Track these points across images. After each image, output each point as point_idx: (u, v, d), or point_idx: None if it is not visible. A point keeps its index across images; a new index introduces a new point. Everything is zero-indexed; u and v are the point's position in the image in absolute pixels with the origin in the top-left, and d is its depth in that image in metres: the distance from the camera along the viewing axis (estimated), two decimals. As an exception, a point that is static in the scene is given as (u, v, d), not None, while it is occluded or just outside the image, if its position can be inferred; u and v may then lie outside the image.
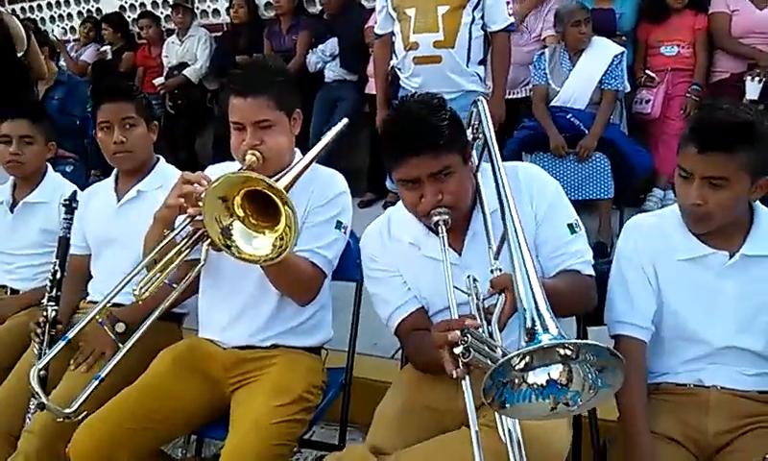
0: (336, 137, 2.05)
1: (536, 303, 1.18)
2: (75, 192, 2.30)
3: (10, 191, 2.66)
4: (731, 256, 1.59)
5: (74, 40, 6.31)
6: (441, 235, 1.52)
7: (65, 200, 2.26)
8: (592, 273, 1.67)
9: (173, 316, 2.31)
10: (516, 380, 1.16)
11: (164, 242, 1.75)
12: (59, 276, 2.18)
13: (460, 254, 1.67)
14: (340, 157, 3.79)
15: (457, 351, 1.25)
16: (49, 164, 2.72)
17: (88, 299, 2.32)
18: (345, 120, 2.14)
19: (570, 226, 1.67)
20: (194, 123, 5.53)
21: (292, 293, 1.90)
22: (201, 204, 1.58)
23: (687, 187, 1.53)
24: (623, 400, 1.58)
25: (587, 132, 3.64)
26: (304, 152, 1.93)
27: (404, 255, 1.74)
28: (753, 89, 3.66)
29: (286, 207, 1.47)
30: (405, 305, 1.73)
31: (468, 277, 1.48)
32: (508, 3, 3.14)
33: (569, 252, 1.65)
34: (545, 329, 1.12)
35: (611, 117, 3.76)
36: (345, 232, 1.96)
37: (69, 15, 6.60)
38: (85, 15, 6.48)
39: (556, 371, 1.15)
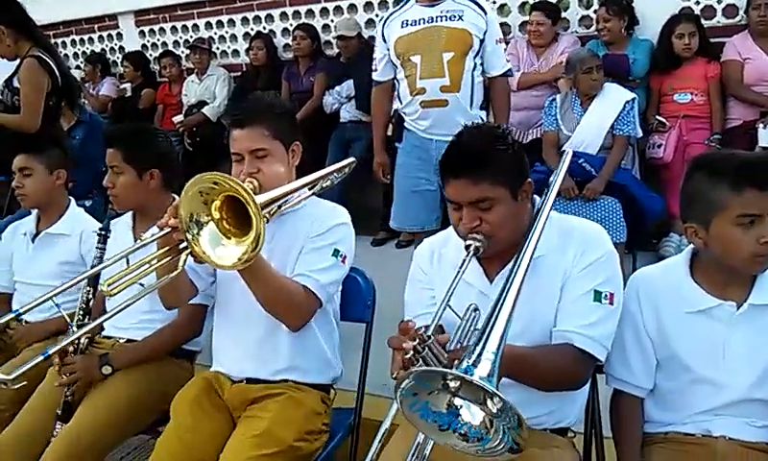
0: (339, 173, 2.06)
1: (486, 342, 1.22)
2: (108, 222, 2.31)
3: (34, 223, 2.74)
4: (738, 307, 1.59)
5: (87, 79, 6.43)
6: (468, 255, 1.53)
7: (100, 229, 2.28)
8: (589, 349, 1.56)
9: (185, 353, 2.34)
10: (431, 396, 1.24)
11: (138, 245, 1.77)
12: (91, 304, 2.21)
13: (491, 283, 1.65)
14: (354, 196, 3.85)
15: (407, 356, 1.28)
16: (72, 198, 2.78)
17: (103, 334, 2.33)
18: (351, 159, 2.18)
19: (597, 293, 1.59)
20: (211, 159, 5.59)
21: (282, 315, 1.88)
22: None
23: (758, 230, 1.50)
24: (621, 448, 1.68)
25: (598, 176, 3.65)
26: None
27: (444, 273, 1.70)
28: (765, 137, 3.66)
29: (255, 213, 1.46)
30: (422, 316, 1.69)
31: (471, 305, 1.48)
32: (505, 50, 3.30)
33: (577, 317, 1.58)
34: (475, 365, 1.18)
35: (623, 162, 3.77)
36: (343, 261, 1.94)
37: (94, 53, 6.65)
38: (108, 53, 6.60)
39: (462, 403, 1.25)
